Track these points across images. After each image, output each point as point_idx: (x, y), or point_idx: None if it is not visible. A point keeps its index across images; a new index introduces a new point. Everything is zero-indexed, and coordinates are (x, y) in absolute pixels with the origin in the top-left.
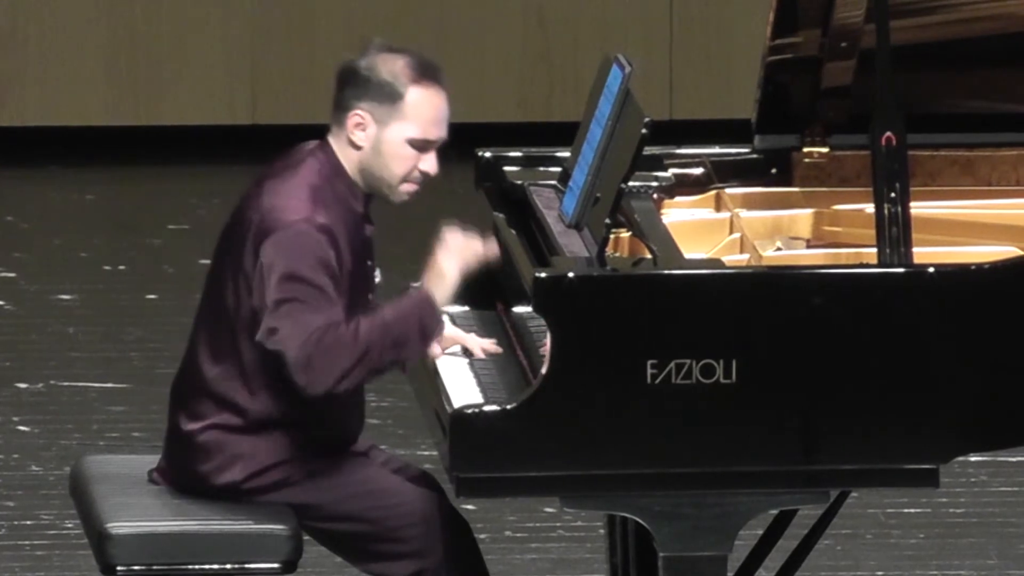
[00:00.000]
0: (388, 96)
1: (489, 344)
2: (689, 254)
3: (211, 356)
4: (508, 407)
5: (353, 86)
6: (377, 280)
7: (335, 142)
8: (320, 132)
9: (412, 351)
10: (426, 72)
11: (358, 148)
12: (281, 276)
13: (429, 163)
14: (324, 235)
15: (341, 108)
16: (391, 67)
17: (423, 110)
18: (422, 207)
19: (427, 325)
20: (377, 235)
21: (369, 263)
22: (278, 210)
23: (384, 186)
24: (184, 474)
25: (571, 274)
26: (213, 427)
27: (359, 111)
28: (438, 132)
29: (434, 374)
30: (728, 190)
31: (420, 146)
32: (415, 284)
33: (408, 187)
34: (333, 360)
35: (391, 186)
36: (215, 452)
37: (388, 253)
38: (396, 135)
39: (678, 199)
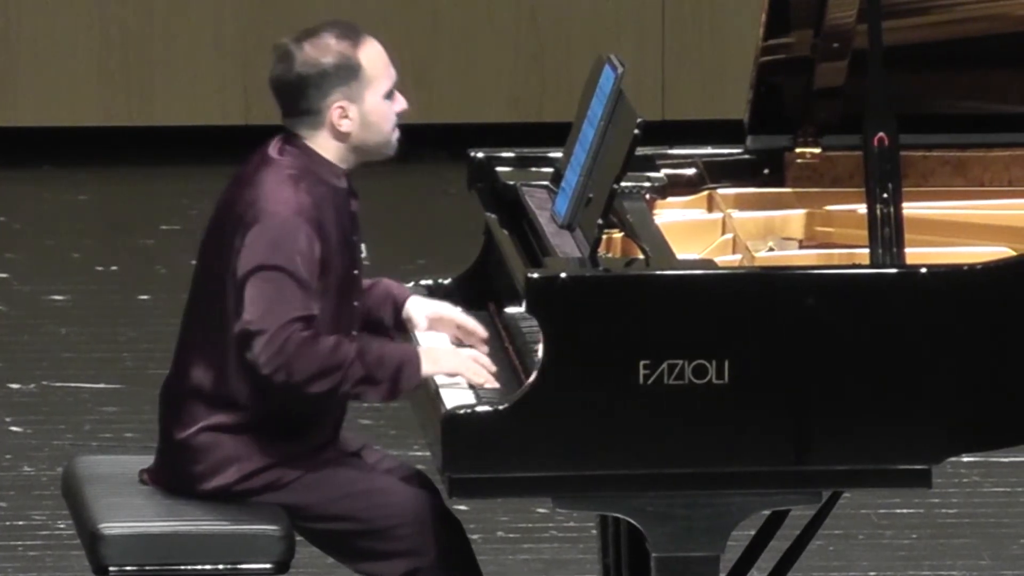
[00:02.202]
0: (348, 74)
1: (475, 326)
2: (681, 255)
3: (203, 358)
4: (500, 408)
5: (313, 87)
6: (363, 255)
7: (312, 140)
8: None
9: (374, 394)
10: (355, 32)
11: (347, 134)
12: (257, 266)
13: (401, 103)
14: (307, 222)
15: (312, 113)
16: (330, 49)
17: (378, 64)
18: (415, 208)
19: (401, 381)
20: (370, 237)
21: (355, 237)
22: (262, 199)
23: (380, 148)
24: (176, 478)
25: (563, 274)
26: (205, 430)
27: (336, 103)
28: (394, 72)
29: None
30: (720, 190)
31: (390, 94)
32: (424, 283)
33: (396, 133)
34: (305, 359)
35: (386, 143)
36: (207, 455)
37: (382, 254)
38: (374, 100)
39: (670, 199)
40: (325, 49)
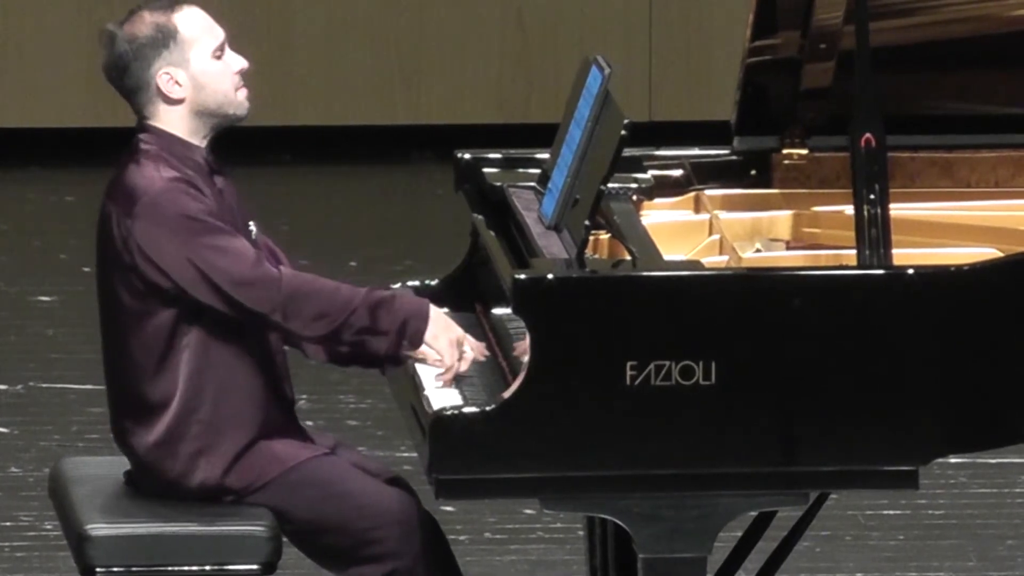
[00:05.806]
0: (166, 39)
1: (480, 348)
2: (668, 256)
3: (130, 365)
4: (488, 409)
5: (134, 61)
6: (253, 232)
7: (158, 120)
8: (298, 133)
9: (378, 344)
10: (172, 1)
11: (182, 100)
12: (164, 239)
13: (237, 60)
14: (183, 188)
15: (142, 87)
16: (146, 22)
17: (196, 25)
18: (402, 209)
19: (409, 325)
20: (359, 237)
21: (233, 213)
22: (132, 184)
23: (225, 108)
24: (158, 487)
25: (550, 276)
26: (163, 433)
27: (161, 71)
28: (220, 31)
29: (413, 376)
30: (708, 192)
31: (220, 53)
32: (410, 284)
33: (242, 93)
34: (302, 285)
35: (230, 103)
36: (174, 456)
37: (372, 255)
38: (201, 61)
39: (657, 201)
40: (140, 23)
